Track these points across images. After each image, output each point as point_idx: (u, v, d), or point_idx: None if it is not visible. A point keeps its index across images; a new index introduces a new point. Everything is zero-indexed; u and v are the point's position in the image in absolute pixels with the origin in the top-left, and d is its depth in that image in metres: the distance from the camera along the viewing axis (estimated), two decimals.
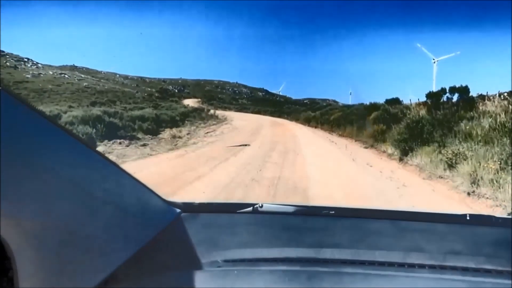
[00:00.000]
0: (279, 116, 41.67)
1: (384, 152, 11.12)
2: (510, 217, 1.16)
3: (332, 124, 20.92)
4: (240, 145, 11.89)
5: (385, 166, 8.91)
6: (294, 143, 13.46)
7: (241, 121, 24.82)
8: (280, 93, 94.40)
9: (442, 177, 7.38)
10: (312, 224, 1.09)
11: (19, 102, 0.55)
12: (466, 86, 11.69)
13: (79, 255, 0.68)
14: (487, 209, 5.27)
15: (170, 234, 1.00)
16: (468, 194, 6.16)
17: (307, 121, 27.62)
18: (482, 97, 11.77)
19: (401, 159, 9.60)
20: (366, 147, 12.79)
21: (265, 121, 28.21)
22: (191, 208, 1.11)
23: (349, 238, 1.02)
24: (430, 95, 12.53)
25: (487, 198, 5.77)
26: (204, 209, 1.14)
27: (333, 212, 1.11)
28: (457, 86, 11.85)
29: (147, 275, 0.83)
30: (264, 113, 47.93)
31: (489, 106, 9.79)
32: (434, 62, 33.97)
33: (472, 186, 6.31)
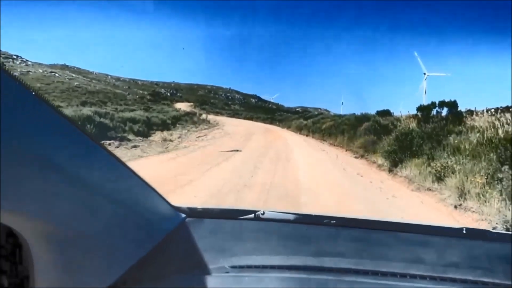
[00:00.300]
0: (271, 123, 41.87)
1: (374, 162, 11.24)
2: (505, 232, 1.19)
3: (324, 133, 21.10)
4: (232, 150, 11.88)
5: (375, 176, 9.01)
6: (286, 150, 13.51)
7: (233, 127, 24.81)
8: (273, 101, 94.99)
9: (430, 190, 7.49)
10: (314, 232, 1.10)
11: (38, 99, 0.54)
12: (455, 101, 11.98)
13: (88, 257, 0.68)
14: (473, 223, 5.36)
15: (177, 239, 1.00)
16: (455, 207, 6.27)
17: (299, 129, 27.80)
18: (470, 112, 12.08)
19: (390, 170, 9.72)
20: (356, 157, 12.91)
21: (257, 128, 28.27)
22: (195, 213, 1.11)
23: (352, 247, 1.03)
24: (420, 108, 12.78)
25: (473, 211, 5.88)
26: (208, 215, 1.14)
27: (334, 221, 1.12)
28: (446, 100, 12.13)
29: (156, 278, 0.83)
30: (256, 119, 48.10)
31: (477, 122, 10.03)
32: (425, 77, 34.62)
33: (459, 199, 6.43)
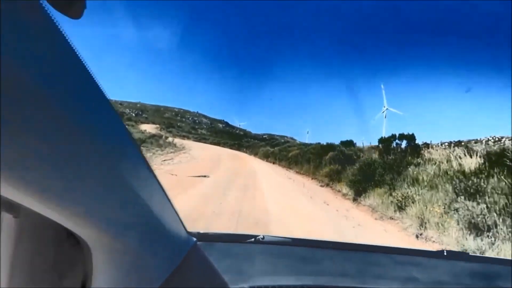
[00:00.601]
0: (238, 149, 41.95)
1: (339, 191, 11.54)
2: (481, 255, 1.33)
3: (290, 161, 21.44)
4: (200, 176, 11.68)
5: (341, 205, 9.22)
6: (254, 178, 13.51)
7: (200, 151, 24.56)
8: (240, 126, 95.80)
9: (392, 218, 7.79)
10: (314, 254, 1.18)
11: (109, 102, 0.53)
12: (413, 134, 12.79)
13: (128, 270, 0.72)
14: None
15: (194, 262, 1.04)
16: (417, 236, 6.54)
17: (266, 156, 28.06)
18: (426, 145, 12.94)
19: (354, 199, 10.02)
20: (322, 186, 13.19)
21: (224, 153, 28.16)
22: (205, 237, 1.17)
23: (352, 268, 1.12)
24: (381, 140, 13.47)
25: (434, 241, 6.16)
26: (216, 239, 1.20)
27: (332, 245, 1.23)
28: (405, 133, 12.91)
29: None
30: (224, 145, 48.04)
31: (433, 154, 10.73)
32: (384, 111, 36.84)
33: (420, 228, 6.73)
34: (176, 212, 0.95)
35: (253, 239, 1.20)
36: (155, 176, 0.75)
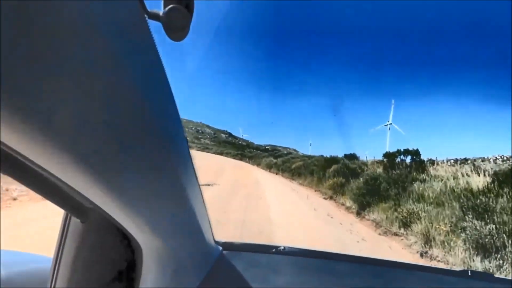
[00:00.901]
0: (241, 159, 41.91)
1: (342, 204, 11.43)
2: (507, 278, 1.28)
3: (293, 173, 21.34)
4: (203, 185, 11.63)
5: (344, 218, 9.13)
6: (257, 188, 13.46)
7: (204, 161, 24.54)
8: (243, 137, 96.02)
9: (397, 234, 7.67)
10: (336, 268, 1.16)
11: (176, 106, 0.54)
12: (418, 150, 12.71)
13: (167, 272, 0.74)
14: None
15: (222, 271, 1.04)
16: (421, 255, 6.42)
17: (269, 167, 27.98)
18: (431, 162, 12.85)
19: (358, 213, 9.91)
20: (325, 198, 13.08)
21: (227, 163, 28.15)
22: (231, 247, 1.17)
23: (377, 284, 1.10)
24: (386, 155, 13.40)
25: (439, 260, 6.05)
26: (241, 248, 1.20)
27: (354, 259, 1.21)
28: (410, 149, 12.85)
29: None
30: (226, 155, 48.07)
31: (439, 171, 10.64)
32: (388, 125, 36.79)
33: (425, 246, 6.62)
34: (209, 221, 0.97)
35: (274, 250, 1.20)
36: (199, 185, 0.76)
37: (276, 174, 24.24)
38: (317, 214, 9.19)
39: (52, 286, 0.65)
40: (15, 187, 9.30)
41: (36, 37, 0.28)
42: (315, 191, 15.08)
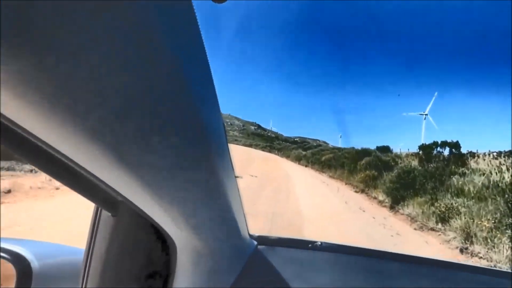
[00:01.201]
0: (270, 151, 41.91)
1: (375, 198, 11.10)
2: None
3: (323, 165, 21.01)
4: None
5: (377, 212, 8.87)
6: (286, 179, 13.40)
7: (232, 153, 24.76)
8: (272, 129, 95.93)
9: (434, 230, 7.35)
10: (376, 266, 1.09)
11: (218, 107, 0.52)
12: (457, 142, 12.03)
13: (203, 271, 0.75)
14: None
15: (257, 266, 1.01)
16: (461, 251, 6.10)
17: (298, 159, 27.76)
18: (472, 154, 12.12)
19: (392, 207, 9.59)
20: (356, 191, 12.78)
21: (256, 155, 28.24)
22: (266, 241, 1.13)
23: (422, 283, 1.02)
24: (422, 147, 12.81)
25: (481, 257, 5.71)
26: (276, 243, 1.15)
27: (398, 258, 1.12)
28: (448, 141, 12.19)
29: None
30: (255, 147, 48.24)
31: (481, 164, 10.02)
32: (424, 116, 35.22)
33: (465, 242, 6.28)
34: (244, 215, 0.94)
35: (310, 245, 1.14)
36: (236, 177, 0.73)
37: (306, 166, 24.00)
38: (349, 207, 8.99)
39: (85, 279, 0.64)
40: None
41: (75, 31, 0.26)
42: (346, 184, 14.76)
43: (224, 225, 0.76)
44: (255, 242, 1.10)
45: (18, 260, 0.90)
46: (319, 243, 1.13)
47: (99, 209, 0.64)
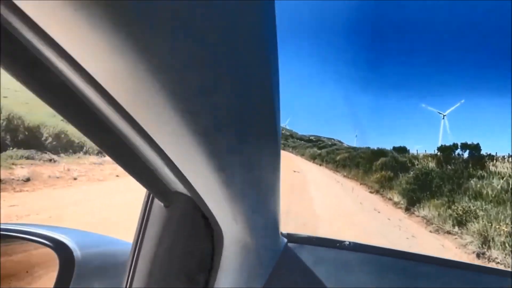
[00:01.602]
0: (284, 149, 41.83)
1: (390, 199, 10.99)
2: None
3: (338, 164, 20.88)
4: None
5: (392, 213, 8.80)
6: (301, 178, 13.40)
7: None
8: (287, 127, 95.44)
9: (450, 233, 7.25)
10: (409, 268, 1.06)
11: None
12: (478, 144, 11.77)
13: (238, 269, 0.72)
14: None
15: (289, 264, 1.01)
16: (478, 255, 6.01)
17: (313, 158, 27.67)
18: (490, 157, 11.82)
19: (407, 209, 9.48)
20: (371, 192, 12.66)
21: None
22: (295, 239, 1.11)
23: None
24: (441, 148, 12.58)
25: (498, 262, 5.62)
26: (305, 241, 1.13)
27: (430, 260, 1.07)
28: (468, 143, 11.93)
29: None
30: None
31: (499, 167, 9.79)
32: (443, 116, 34.39)
33: (483, 246, 6.18)
34: (279, 211, 0.93)
35: (338, 244, 1.11)
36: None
37: (320, 165, 23.90)
38: (363, 208, 8.96)
39: (131, 270, 0.64)
40: (75, 168, 10.19)
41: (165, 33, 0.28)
42: (361, 184, 14.63)
43: (268, 221, 0.76)
44: (285, 240, 1.09)
45: (61, 248, 0.90)
46: (347, 243, 1.10)
47: (150, 200, 0.64)
